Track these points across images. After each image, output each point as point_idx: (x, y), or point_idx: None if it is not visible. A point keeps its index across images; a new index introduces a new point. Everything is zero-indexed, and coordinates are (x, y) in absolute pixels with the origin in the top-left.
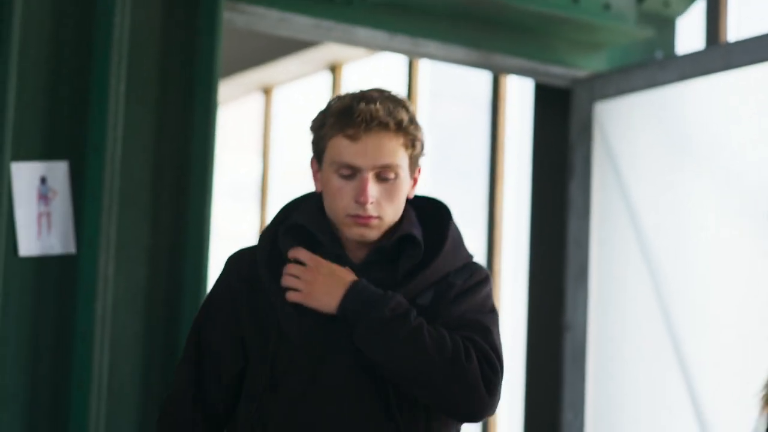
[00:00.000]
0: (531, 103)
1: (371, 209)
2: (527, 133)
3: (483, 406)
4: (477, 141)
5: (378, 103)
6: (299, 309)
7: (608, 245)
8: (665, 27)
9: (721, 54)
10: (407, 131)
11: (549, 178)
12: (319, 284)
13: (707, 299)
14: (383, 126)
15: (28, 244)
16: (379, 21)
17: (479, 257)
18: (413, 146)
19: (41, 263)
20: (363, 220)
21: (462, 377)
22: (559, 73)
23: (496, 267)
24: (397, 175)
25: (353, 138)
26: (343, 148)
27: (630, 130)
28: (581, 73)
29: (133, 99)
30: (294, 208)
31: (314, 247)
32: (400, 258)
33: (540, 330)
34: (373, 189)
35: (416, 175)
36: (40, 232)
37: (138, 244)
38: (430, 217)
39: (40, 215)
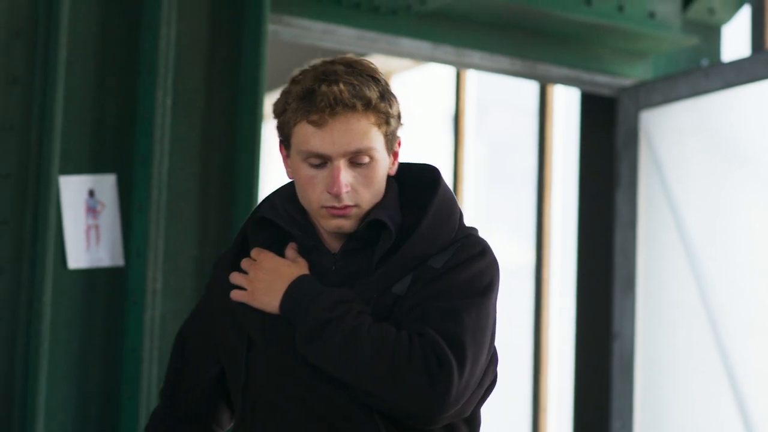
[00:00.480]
0: (577, 112)
1: (347, 198)
2: (574, 143)
3: (431, 406)
4: (525, 151)
5: (341, 84)
6: (263, 314)
7: (655, 255)
8: (710, 34)
9: (766, 61)
10: (377, 109)
11: (596, 188)
12: (261, 282)
13: (756, 309)
14: (349, 108)
15: (77, 257)
16: (423, 32)
17: (527, 268)
18: (387, 123)
19: (90, 276)
20: (339, 211)
21: (399, 378)
22: (604, 82)
23: (544, 277)
24: (372, 158)
25: (318, 124)
26: (308, 135)
27: (676, 139)
28: (627, 81)
29: (179, 112)
30: (268, 200)
31: (289, 240)
32: (376, 244)
33: (588, 340)
34: (346, 176)
35: (396, 149)
36: (88, 244)
37: (185, 255)
38: (417, 187)
39: (88, 228)
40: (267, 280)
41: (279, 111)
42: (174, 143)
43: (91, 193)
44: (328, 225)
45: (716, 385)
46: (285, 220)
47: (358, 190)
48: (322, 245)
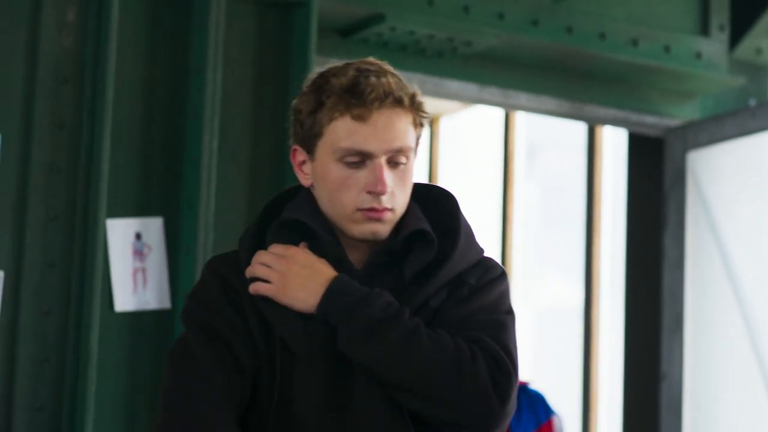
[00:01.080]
0: (625, 152)
1: (386, 200)
2: (622, 183)
3: (493, 415)
4: (574, 191)
5: (389, 77)
6: (303, 315)
7: (703, 295)
8: (758, 74)
9: None
10: (419, 108)
11: (644, 228)
12: (294, 276)
13: None
14: (397, 102)
15: (124, 300)
16: (470, 73)
17: (577, 308)
18: (422, 125)
19: (137, 318)
20: (378, 213)
21: (467, 383)
22: (651, 122)
23: (593, 317)
24: (408, 160)
25: (362, 118)
26: (350, 130)
27: (723, 179)
28: (674, 122)
29: (225, 155)
30: (280, 205)
31: (312, 252)
32: (407, 258)
33: (637, 380)
34: (388, 177)
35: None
36: (135, 287)
37: None
38: (433, 207)
39: (135, 271)
40: (303, 275)
41: (310, 108)
42: (220, 186)
43: (138, 236)
44: (362, 230)
45: (765, 424)
46: (318, 225)
47: (395, 192)
48: (347, 259)
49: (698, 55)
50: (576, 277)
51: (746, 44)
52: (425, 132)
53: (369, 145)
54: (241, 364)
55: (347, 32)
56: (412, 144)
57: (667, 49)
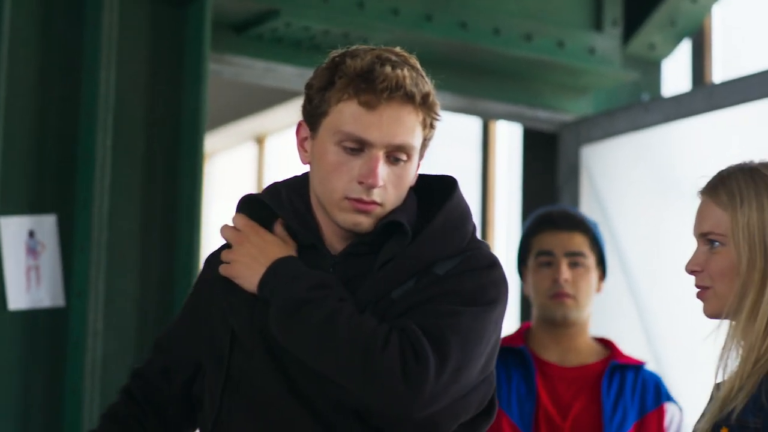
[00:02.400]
0: (519, 147)
1: (376, 194)
2: (517, 178)
3: (404, 403)
4: (468, 186)
5: (405, 70)
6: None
7: None
8: (651, 69)
9: (705, 95)
10: (431, 108)
11: None
12: (243, 255)
13: (698, 342)
14: (408, 98)
15: (17, 298)
16: None
17: None
18: (431, 126)
19: (30, 317)
20: (364, 205)
21: (370, 367)
22: (545, 117)
23: None
24: (409, 158)
25: (370, 106)
26: (354, 116)
27: (617, 173)
28: (568, 117)
29: (120, 152)
30: (272, 186)
31: (294, 236)
32: (382, 247)
33: None
34: (383, 170)
35: (422, 160)
36: (29, 285)
37: (127, 296)
38: (430, 198)
39: (28, 269)
40: (251, 255)
41: (321, 84)
42: (115, 184)
43: (32, 234)
44: (345, 220)
45: None
46: (285, 210)
47: (387, 188)
48: (322, 245)
49: (591, 51)
50: None
51: (639, 39)
52: None
53: (370, 135)
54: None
55: (242, 28)
56: (416, 144)
57: (560, 44)
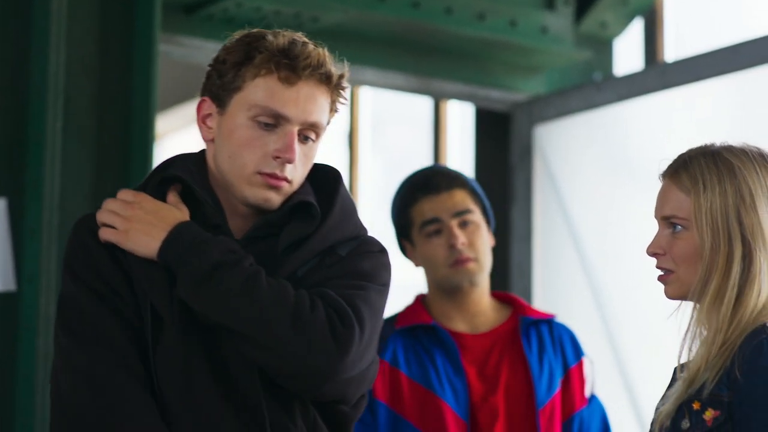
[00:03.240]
0: (472, 127)
1: (288, 171)
2: (469, 158)
3: (332, 362)
4: (420, 166)
5: (326, 50)
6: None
7: (551, 268)
8: (603, 48)
9: (657, 74)
10: (341, 91)
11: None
12: (138, 221)
13: (651, 320)
14: (326, 77)
15: None
16: None
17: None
18: (336, 110)
19: None
20: (277, 181)
21: (304, 330)
22: (498, 97)
23: None
24: (317, 138)
25: (289, 82)
26: (272, 91)
27: (570, 152)
28: (520, 96)
29: (70, 135)
30: (177, 163)
31: (192, 218)
32: (284, 228)
33: None
34: (296, 147)
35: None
36: None
37: None
38: (317, 183)
39: None
40: (146, 221)
41: (236, 60)
42: (65, 166)
43: None
44: (256, 195)
45: (614, 397)
46: (199, 185)
47: (297, 166)
48: (226, 226)
49: (544, 30)
50: None
51: (591, 18)
52: None
53: (288, 110)
54: (132, 323)
55: (192, 9)
56: (325, 124)
57: (513, 23)
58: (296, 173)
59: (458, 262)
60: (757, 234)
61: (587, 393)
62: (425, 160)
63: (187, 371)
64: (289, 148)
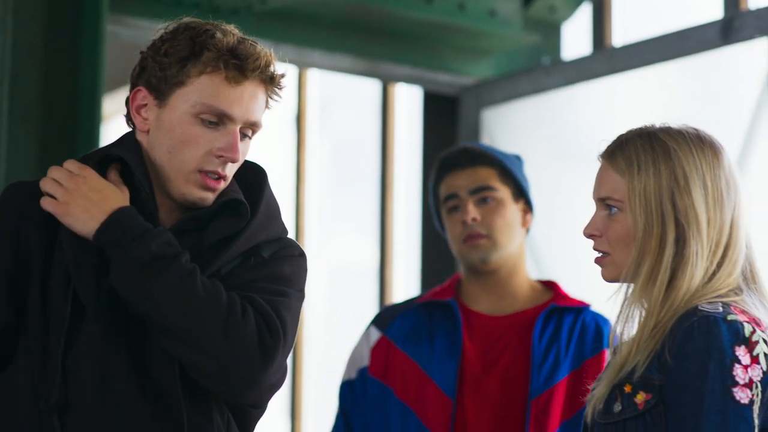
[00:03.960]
0: (419, 110)
1: (229, 168)
2: (417, 141)
3: (256, 371)
4: (368, 149)
5: (270, 54)
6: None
7: None
8: (551, 32)
9: (605, 58)
10: (278, 90)
11: None
12: (80, 197)
13: (599, 302)
14: (269, 79)
15: None
16: (264, 31)
17: (371, 267)
18: (269, 107)
19: None
20: (216, 182)
21: (234, 333)
22: (446, 80)
23: (388, 276)
24: (253, 134)
25: (236, 81)
26: (218, 90)
27: (518, 136)
28: (468, 80)
29: (16, 116)
30: (114, 145)
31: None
32: (210, 225)
33: None
34: (239, 146)
35: None
36: None
37: None
38: (244, 181)
39: None
40: (89, 198)
41: (182, 55)
42: (11, 148)
43: None
44: (192, 193)
45: None
46: (140, 169)
47: (234, 164)
48: (157, 215)
49: (492, 13)
50: (370, 235)
51: (540, 2)
52: None
53: (233, 110)
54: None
55: None
56: (261, 122)
57: (461, 6)
58: (231, 171)
59: (469, 238)
60: (691, 217)
61: None
62: (372, 144)
63: (104, 362)
64: (233, 147)
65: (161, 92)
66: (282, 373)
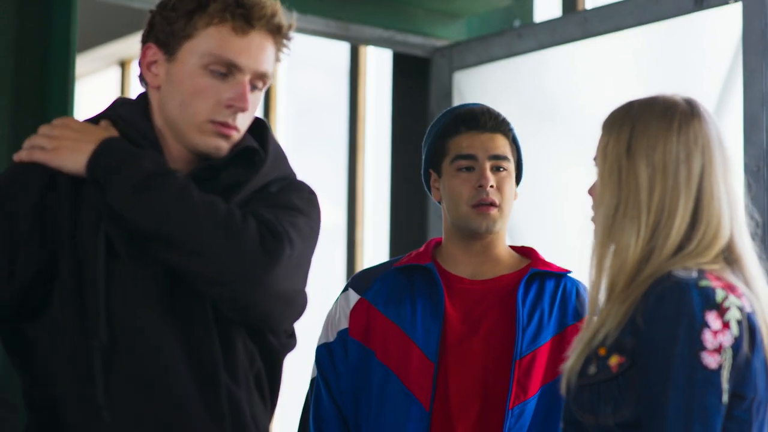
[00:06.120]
0: (390, 73)
1: (240, 119)
2: (386, 103)
3: (259, 268)
4: (336, 112)
5: (278, 4)
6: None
7: None
8: None
9: (577, 22)
10: (287, 42)
11: (409, 148)
12: (66, 140)
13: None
14: (277, 29)
15: None
16: None
17: (339, 229)
18: (280, 59)
19: None
20: (228, 130)
21: (234, 235)
22: (417, 42)
23: (357, 237)
24: (264, 86)
25: (242, 32)
26: (226, 40)
27: (489, 99)
28: (440, 42)
29: None
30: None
31: None
32: (224, 171)
33: None
34: (248, 96)
35: None
36: None
37: None
38: (249, 132)
39: None
40: (74, 138)
41: (188, 8)
42: None
43: None
44: (207, 143)
45: None
46: (135, 127)
47: (245, 114)
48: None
49: None
50: (339, 197)
51: None
52: None
53: (241, 60)
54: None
55: None
56: (272, 73)
57: None
58: (244, 122)
59: (482, 204)
60: (631, 180)
61: None
62: (341, 106)
63: (136, 300)
64: (243, 97)
65: (170, 47)
66: (296, 292)
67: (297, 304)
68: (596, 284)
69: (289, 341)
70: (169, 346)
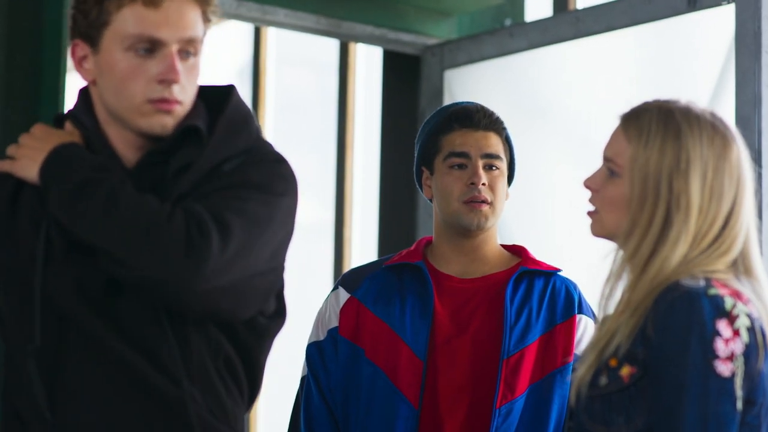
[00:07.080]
0: (380, 71)
1: (177, 91)
2: (375, 101)
3: (180, 268)
4: (325, 109)
5: None
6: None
7: None
8: None
9: (569, 21)
10: (209, 2)
11: (399, 147)
12: (26, 148)
13: (561, 263)
14: None
15: None
16: None
17: (328, 227)
18: (209, 20)
19: None
20: (168, 105)
21: (156, 239)
22: (408, 40)
23: (346, 235)
24: (196, 52)
25: (154, 4)
26: (140, 18)
27: (480, 98)
28: (431, 40)
29: None
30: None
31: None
32: (175, 153)
33: None
34: (179, 66)
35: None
36: None
37: None
38: (211, 104)
39: None
40: (33, 146)
41: None
42: None
43: None
44: (151, 123)
45: None
46: (84, 123)
47: (185, 85)
48: (116, 157)
49: None
50: (327, 195)
51: None
52: None
53: (161, 33)
54: None
55: None
56: (202, 36)
57: None
58: (186, 93)
59: (473, 201)
60: (682, 202)
61: (578, 351)
62: (330, 103)
63: (80, 299)
64: (172, 68)
65: (92, 38)
66: (253, 276)
67: (255, 289)
68: (613, 288)
69: (270, 323)
70: (116, 347)
